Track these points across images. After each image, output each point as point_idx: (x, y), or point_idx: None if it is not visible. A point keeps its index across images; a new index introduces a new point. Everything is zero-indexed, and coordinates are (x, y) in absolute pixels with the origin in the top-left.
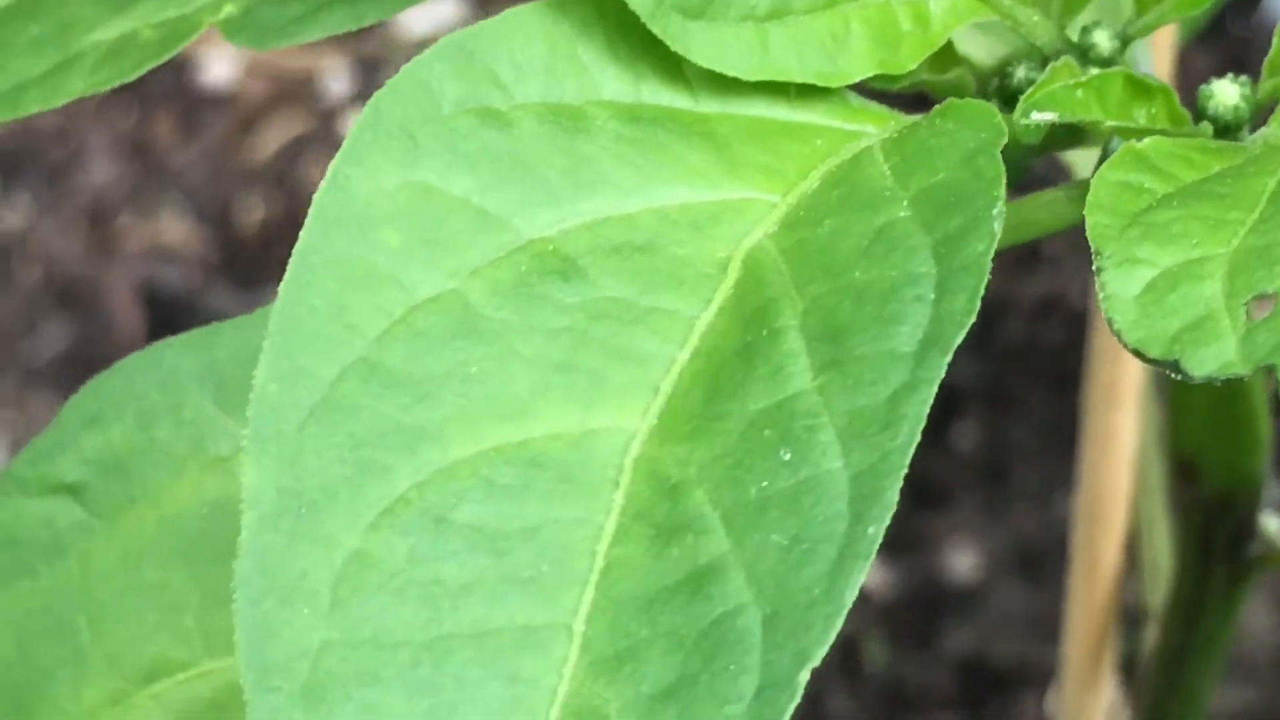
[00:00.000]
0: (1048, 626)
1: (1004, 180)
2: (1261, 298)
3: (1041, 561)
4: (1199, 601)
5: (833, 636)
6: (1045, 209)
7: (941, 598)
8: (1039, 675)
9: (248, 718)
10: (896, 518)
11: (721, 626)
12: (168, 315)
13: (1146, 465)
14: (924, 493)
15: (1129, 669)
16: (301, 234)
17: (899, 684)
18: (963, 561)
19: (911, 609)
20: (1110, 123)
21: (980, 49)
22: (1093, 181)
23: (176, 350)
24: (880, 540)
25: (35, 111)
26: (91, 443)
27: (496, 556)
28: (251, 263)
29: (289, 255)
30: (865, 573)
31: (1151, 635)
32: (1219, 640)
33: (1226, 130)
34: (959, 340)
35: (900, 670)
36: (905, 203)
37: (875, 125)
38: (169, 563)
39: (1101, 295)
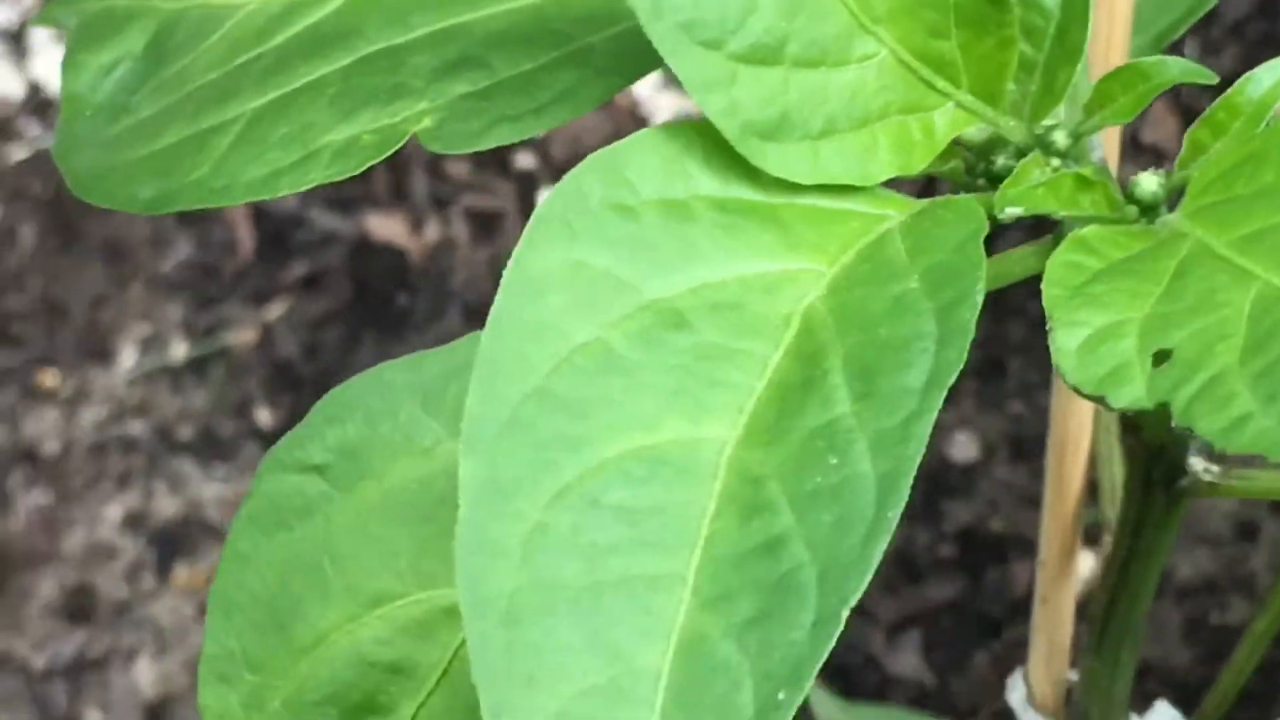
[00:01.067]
0: (1037, 503)
1: (984, 264)
2: (1162, 351)
3: (1032, 446)
4: (1142, 521)
5: (864, 586)
6: (1019, 262)
7: (945, 477)
8: (1030, 545)
9: (466, 635)
10: None
11: (789, 578)
12: (276, 230)
13: (1102, 410)
14: None
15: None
16: (495, 301)
17: (909, 552)
18: (963, 446)
19: (918, 487)
20: (1063, 212)
21: (976, 132)
22: (1048, 263)
23: (393, 370)
24: (898, 521)
25: (285, 194)
26: (333, 435)
27: (633, 526)
28: (348, 187)
29: (381, 180)
30: (885, 545)
31: (1107, 543)
32: (1158, 551)
33: (1148, 209)
34: (952, 381)
35: (910, 541)
36: (916, 277)
37: (896, 210)
38: (389, 522)
39: (1053, 347)
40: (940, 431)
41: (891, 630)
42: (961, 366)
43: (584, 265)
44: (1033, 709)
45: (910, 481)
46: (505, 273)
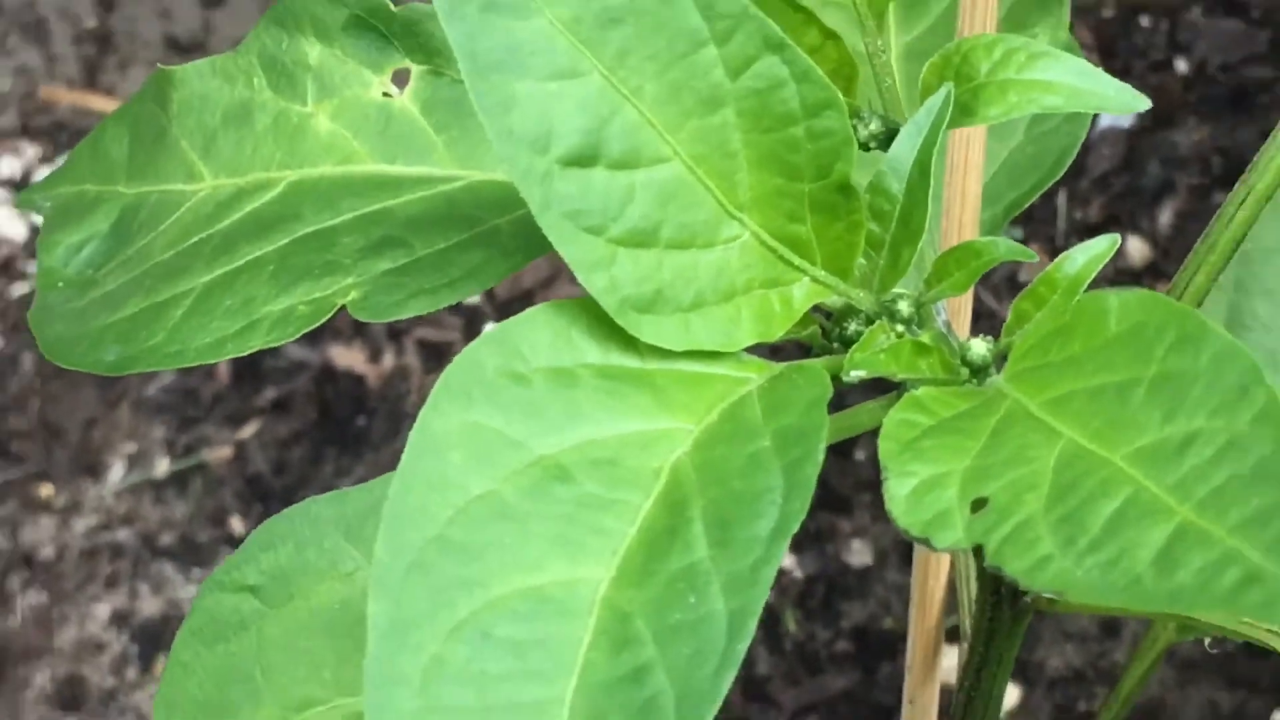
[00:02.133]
0: None
1: (826, 426)
2: (980, 499)
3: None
4: (993, 632)
5: (715, 710)
6: (867, 415)
7: (842, 580)
8: None
9: None
10: (808, 517)
11: (651, 703)
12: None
13: None
14: (830, 499)
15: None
16: (402, 457)
17: (810, 648)
18: (858, 553)
19: (820, 588)
20: (902, 375)
21: (834, 300)
22: (885, 420)
23: (320, 505)
24: (745, 653)
25: (230, 357)
26: (266, 560)
27: (519, 658)
28: None
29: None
30: (735, 674)
31: (964, 650)
32: (1008, 659)
33: (979, 371)
34: (796, 529)
35: (811, 637)
36: (769, 436)
37: (757, 373)
38: (314, 636)
39: (885, 494)
40: (839, 539)
41: (793, 717)
42: (804, 517)
43: (480, 426)
44: None
45: (757, 619)
46: (411, 433)
